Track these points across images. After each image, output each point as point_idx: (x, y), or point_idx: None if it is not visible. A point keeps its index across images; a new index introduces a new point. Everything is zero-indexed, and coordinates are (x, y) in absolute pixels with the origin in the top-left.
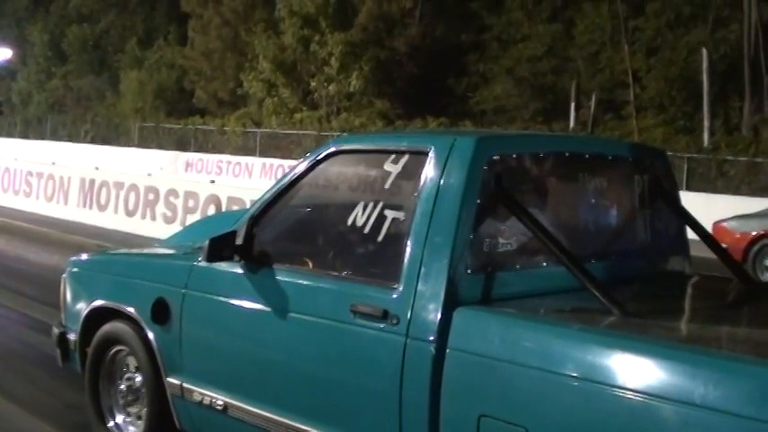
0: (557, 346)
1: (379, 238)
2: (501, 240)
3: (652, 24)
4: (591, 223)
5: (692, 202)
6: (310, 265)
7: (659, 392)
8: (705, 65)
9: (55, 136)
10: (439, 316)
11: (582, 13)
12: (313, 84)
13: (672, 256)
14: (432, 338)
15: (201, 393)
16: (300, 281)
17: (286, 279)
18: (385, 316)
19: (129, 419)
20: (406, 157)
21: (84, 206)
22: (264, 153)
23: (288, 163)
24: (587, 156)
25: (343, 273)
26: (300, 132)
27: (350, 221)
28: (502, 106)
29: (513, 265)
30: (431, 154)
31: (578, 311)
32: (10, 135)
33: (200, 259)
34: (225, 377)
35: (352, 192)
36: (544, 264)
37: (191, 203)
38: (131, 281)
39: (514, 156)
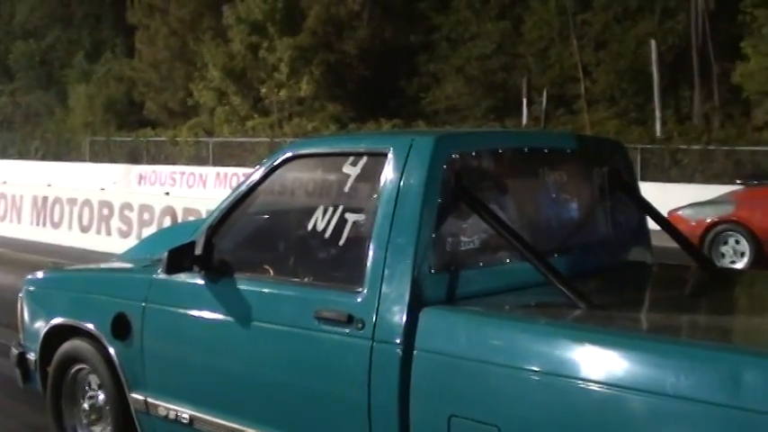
0: (523, 342)
1: (341, 242)
2: (463, 239)
3: (600, 18)
4: (552, 217)
5: (647, 192)
6: (272, 272)
7: (629, 384)
8: (654, 56)
9: (4, 154)
10: (404, 318)
11: (530, 9)
12: (264, 90)
13: (634, 246)
14: (398, 341)
15: (167, 408)
16: (262, 289)
17: (248, 288)
18: (350, 320)
19: None
20: (364, 159)
21: (38, 224)
22: (218, 162)
23: (242, 171)
24: (546, 150)
25: (306, 279)
26: (253, 140)
27: (310, 226)
28: (454, 105)
29: (477, 262)
30: (390, 155)
31: (544, 306)
32: None
33: (159, 272)
34: (190, 390)
35: (310, 196)
36: (508, 260)
37: (146, 216)
38: (90, 297)
39: (473, 153)
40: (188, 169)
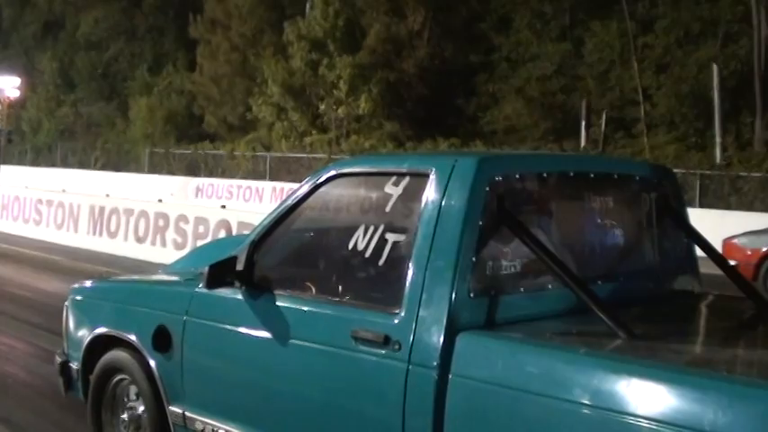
0: (561, 370)
1: (381, 262)
2: (504, 263)
3: (661, 41)
4: (597, 243)
5: (705, 219)
6: (311, 290)
7: (667, 419)
8: (716, 81)
9: (65, 163)
10: (441, 341)
11: (590, 31)
12: (322, 107)
13: (681, 275)
14: (434, 364)
15: (203, 422)
16: (301, 307)
17: (287, 305)
18: (387, 342)
19: None
20: (407, 180)
21: (95, 233)
22: (275, 177)
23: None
24: (592, 175)
25: (344, 298)
26: (310, 156)
27: (351, 245)
28: (512, 126)
29: (518, 287)
30: (432, 176)
31: (584, 335)
32: (20, 163)
33: (200, 285)
34: (227, 405)
35: (352, 215)
36: (549, 286)
37: (201, 229)
38: (133, 308)
39: (517, 176)
40: (245, 183)
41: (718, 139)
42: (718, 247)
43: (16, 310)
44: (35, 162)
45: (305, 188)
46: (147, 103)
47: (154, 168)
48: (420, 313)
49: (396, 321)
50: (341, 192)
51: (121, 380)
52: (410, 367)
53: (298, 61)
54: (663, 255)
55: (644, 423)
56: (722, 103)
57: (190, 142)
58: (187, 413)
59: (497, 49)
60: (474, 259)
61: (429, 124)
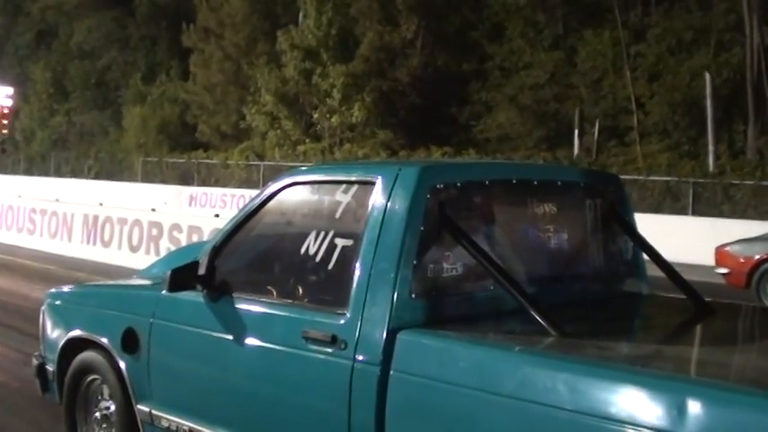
0: (491, 366)
1: (330, 266)
2: (446, 265)
3: (654, 50)
4: (540, 248)
5: (697, 227)
6: (268, 293)
7: (587, 410)
8: (708, 89)
9: (59, 172)
10: (383, 340)
11: (583, 40)
12: (316, 115)
13: (627, 278)
14: (376, 362)
15: (168, 419)
16: (258, 309)
17: (245, 307)
18: (334, 341)
19: None
20: (355, 188)
21: (88, 242)
22: None
23: None
24: (536, 182)
25: (297, 300)
26: (304, 165)
27: (303, 250)
28: (505, 134)
29: (458, 289)
30: (378, 184)
31: (518, 333)
32: (14, 172)
33: (165, 289)
34: (189, 403)
35: (306, 221)
36: (491, 288)
37: (195, 238)
38: (104, 312)
39: (459, 184)
40: (238, 192)
41: (710, 148)
42: (712, 254)
43: (9, 319)
44: (28, 171)
45: (263, 196)
46: (140, 112)
47: (147, 177)
48: (364, 314)
49: (342, 322)
50: (296, 199)
51: (93, 380)
52: (355, 365)
53: (291, 70)
54: (608, 258)
55: (566, 414)
56: (715, 112)
57: (183, 151)
58: (154, 411)
59: (490, 58)
60: (415, 262)
61: (422, 133)
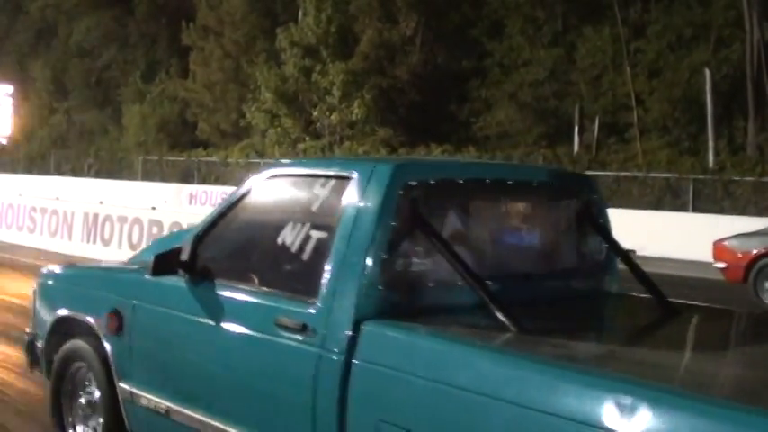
0: (448, 359)
1: (304, 257)
2: (415, 260)
3: (654, 46)
4: (511, 246)
5: (698, 223)
6: (246, 280)
7: (534, 405)
8: (708, 85)
9: (59, 171)
10: (348, 329)
11: (583, 36)
12: (315, 113)
13: (599, 276)
14: (341, 351)
15: (148, 398)
16: (236, 295)
17: (223, 293)
18: (304, 329)
19: (88, 430)
20: (332, 182)
21: (88, 241)
22: None
23: None
24: (510, 182)
25: (273, 288)
26: None
27: (281, 240)
28: (505, 131)
29: (427, 283)
30: (353, 179)
31: (478, 327)
32: (14, 171)
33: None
34: (168, 383)
35: (285, 213)
36: (459, 283)
37: None
38: (91, 292)
39: (432, 182)
40: None
41: (710, 144)
42: (709, 249)
43: (11, 318)
44: (28, 170)
45: (245, 187)
46: (140, 111)
47: (147, 176)
48: (333, 304)
49: (312, 311)
50: (276, 191)
51: (80, 367)
52: (322, 352)
53: (291, 68)
54: (580, 257)
55: (515, 409)
56: (715, 108)
57: (183, 149)
58: (134, 390)
59: (490, 55)
60: (385, 256)
61: (422, 130)
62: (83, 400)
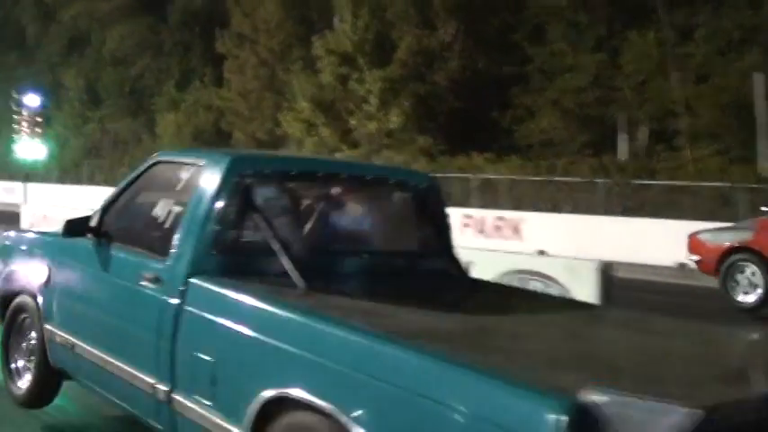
0: (241, 307)
1: (166, 225)
2: (245, 233)
3: (701, 50)
4: (338, 228)
5: None
6: (130, 243)
7: (283, 341)
8: (759, 90)
9: (92, 181)
10: (182, 282)
11: (628, 41)
12: (353, 122)
13: (431, 259)
14: (176, 298)
15: (60, 335)
16: (121, 254)
17: (114, 253)
18: (156, 280)
19: (28, 365)
20: (192, 168)
21: None
22: None
23: None
24: (344, 176)
25: (144, 249)
26: None
27: (154, 212)
28: (549, 139)
29: (251, 251)
30: (204, 167)
31: (278, 284)
32: (46, 180)
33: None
34: (72, 323)
35: (161, 191)
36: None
37: None
38: (29, 250)
39: (266, 172)
40: None
41: (762, 151)
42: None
43: None
44: (61, 179)
45: (139, 169)
46: (174, 120)
47: None
48: (177, 262)
49: (162, 266)
50: (158, 174)
51: (25, 318)
52: (165, 299)
53: (327, 76)
54: (413, 241)
55: (279, 344)
56: (766, 114)
57: None
58: (53, 330)
59: (531, 61)
60: (217, 228)
61: (462, 138)
62: (24, 345)
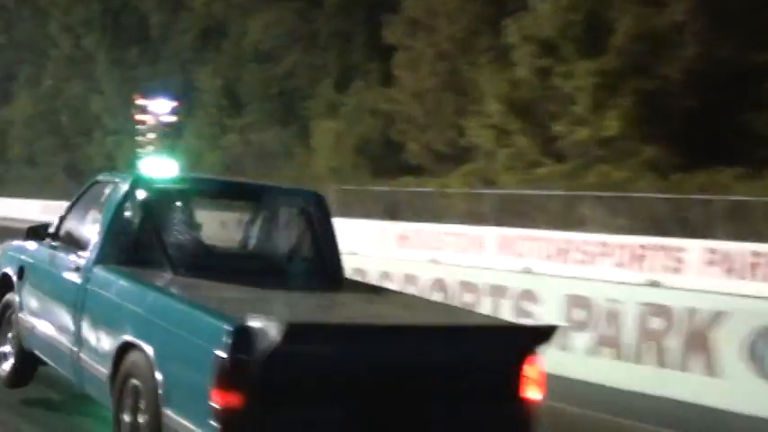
0: (114, 283)
1: (92, 230)
2: (142, 235)
3: None
4: (226, 235)
5: None
6: (71, 243)
7: (130, 304)
8: None
9: None
10: (90, 270)
11: None
12: (557, 128)
13: (313, 261)
14: (85, 281)
15: (26, 320)
16: (63, 253)
17: (59, 252)
18: (77, 269)
19: (12, 350)
20: (111, 185)
21: None
22: (500, 221)
23: (529, 233)
24: (235, 192)
25: (77, 248)
26: (545, 192)
27: (87, 219)
28: None
29: (141, 247)
30: (118, 184)
31: (157, 271)
32: None
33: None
34: (33, 310)
35: (93, 204)
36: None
37: (412, 290)
38: (14, 255)
39: (164, 189)
40: (461, 229)
41: None
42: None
43: None
44: None
45: (83, 188)
46: (332, 128)
47: (344, 210)
48: (91, 255)
49: (83, 259)
50: (93, 191)
51: (11, 313)
52: (78, 283)
53: (523, 70)
54: (290, 246)
55: (130, 307)
56: None
57: (388, 177)
58: (24, 317)
59: None
60: (117, 230)
61: (703, 149)
62: (9, 335)
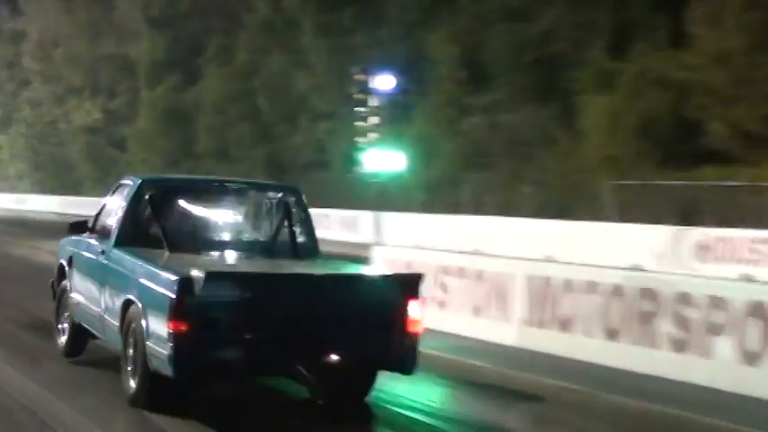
0: (120, 258)
1: (116, 220)
2: (148, 223)
3: None
4: (218, 224)
5: None
6: (102, 234)
7: (131, 273)
8: None
9: (477, 207)
10: (110, 251)
11: None
12: None
13: (294, 244)
14: (107, 259)
15: (74, 297)
16: (95, 242)
17: (94, 242)
18: (102, 252)
19: (66, 324)
20: (128, 187)
21: (535, 323)
22: None
23: None
24: (224, 188)
25: (105, 236)
26: None
27: (114, 213)
28: None
29: (150, 233)
30: (128, 185)
31: (158, 250)
32: (405, 207)
33: (74, 237)
34: (78, 289)
35: (118, 200)
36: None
37: (717, 318)
38: (67, 248)
39: (165, 188)
40: None
41: None
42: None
43: None
44: (428, 206)
45: (113, 188)
46: (606, 106)
47: (623, 211)
48: (111, 238)
49: (105, 243)
50: (119, 191)
51: (66, 295)
52: (103, 262)
53: None
54: (272, 231)
55: (130, 275)
56: None
57: (682, 168)
58: (72, 295)
59: None
60: (129, 220)
61: None
62: (66, 314)
